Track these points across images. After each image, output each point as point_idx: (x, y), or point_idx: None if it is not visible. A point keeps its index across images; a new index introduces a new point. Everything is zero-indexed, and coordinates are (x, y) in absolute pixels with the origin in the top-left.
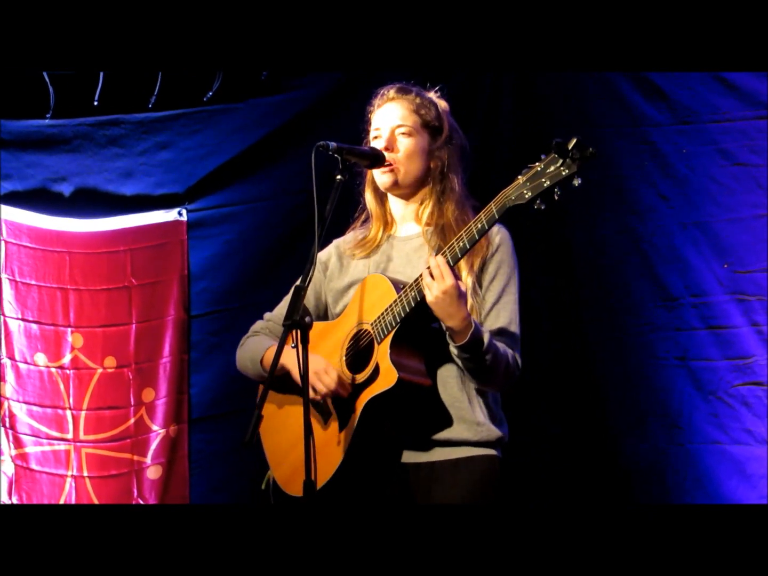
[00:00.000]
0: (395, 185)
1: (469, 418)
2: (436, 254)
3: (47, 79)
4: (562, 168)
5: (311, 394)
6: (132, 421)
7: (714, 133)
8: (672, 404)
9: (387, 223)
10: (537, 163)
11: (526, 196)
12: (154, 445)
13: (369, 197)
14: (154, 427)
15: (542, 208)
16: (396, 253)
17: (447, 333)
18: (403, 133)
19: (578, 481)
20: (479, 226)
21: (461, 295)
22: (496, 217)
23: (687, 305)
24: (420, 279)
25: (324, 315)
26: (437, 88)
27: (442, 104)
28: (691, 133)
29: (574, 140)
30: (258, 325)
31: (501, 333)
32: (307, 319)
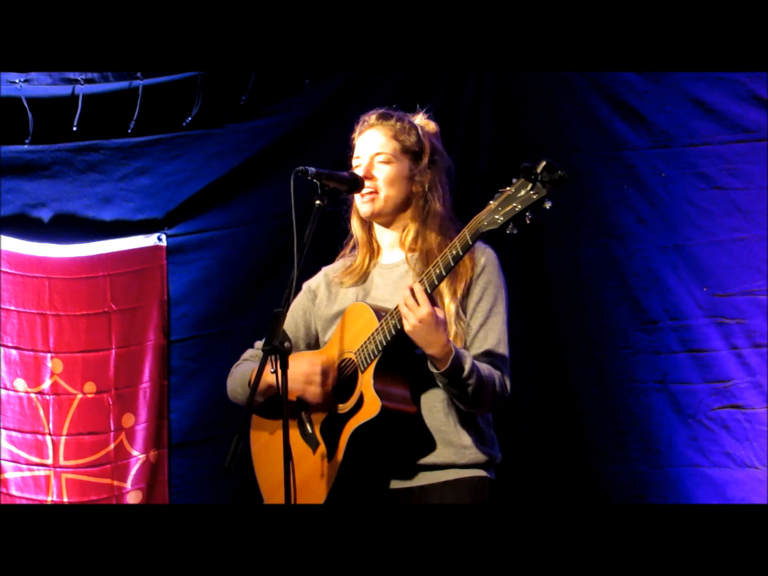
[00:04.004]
0: (376, 213)
1: (455, 442)
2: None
3: (26, 105)
4: (532, 192)
5: (310, 399)
6: (112, 446)
7: (693, 156)
8: (652, 427)
9: (373, 250)
10: (508, 188)
11: (498, 221)
12: (134, 471)
13: (355, 224)
14: (134, 453)
15: (515, 232)
16: (381, 280)
17: (428, 360)
18: (381, 161)
19: (558, 504)
20: (454, 252)
21: (438, 322)
22: (470, 243)
23: (666, 329)
24: (398, 308)
25: (315, 344)
26: (425, 109)
27: (429, 127)
28: (669, 156)
29: (543, 163)
30: (248, 353)
31: (489, 354)
32: (286, 344)
